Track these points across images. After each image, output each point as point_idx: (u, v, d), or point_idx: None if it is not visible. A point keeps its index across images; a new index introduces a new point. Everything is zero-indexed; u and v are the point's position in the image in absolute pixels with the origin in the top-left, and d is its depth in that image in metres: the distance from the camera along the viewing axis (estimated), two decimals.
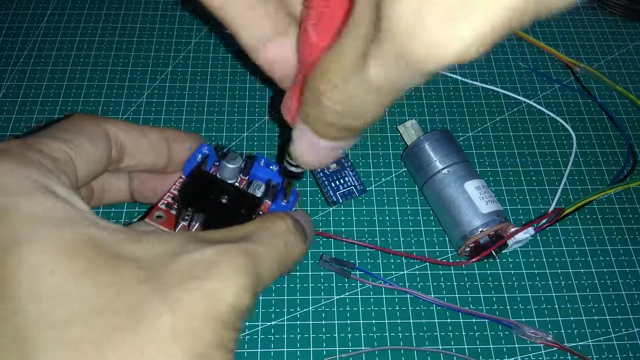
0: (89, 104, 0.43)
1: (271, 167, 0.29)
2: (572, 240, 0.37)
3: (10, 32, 0.46)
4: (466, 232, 0.34)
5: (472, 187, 0.35)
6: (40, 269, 0.16)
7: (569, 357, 0.33)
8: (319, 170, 0.39)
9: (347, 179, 0.38)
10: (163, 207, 0.26)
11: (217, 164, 0.28)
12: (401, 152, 0.40)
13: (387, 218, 0.38)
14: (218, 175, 0.28)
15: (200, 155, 0.27)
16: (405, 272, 0.36)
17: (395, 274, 0.36)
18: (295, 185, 0.28)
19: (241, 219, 0.23)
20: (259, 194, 0.28)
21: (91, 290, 0.16)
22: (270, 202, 0.28)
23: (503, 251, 0.35)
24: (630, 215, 0.38)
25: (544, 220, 0.36)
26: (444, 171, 0.36)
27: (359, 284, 0.35)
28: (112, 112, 0.42)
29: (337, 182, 0.38)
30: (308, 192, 0.39)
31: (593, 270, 0.36)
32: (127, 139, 0.25)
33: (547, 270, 0.36)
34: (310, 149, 0.21)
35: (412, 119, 0.40)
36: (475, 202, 0.34)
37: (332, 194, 0.38)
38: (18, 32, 0.47)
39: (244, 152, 0.27)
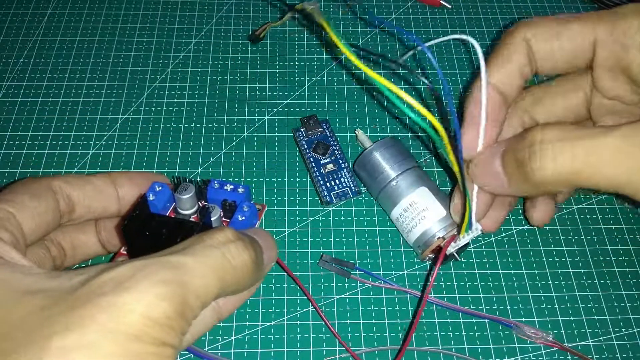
0: (89, 104, 0.43)
1: (225, 187, 0.29)
2: (572, 240, 0.37)
3: (10, 32, 0.46)
4: (420, 243, 0.34)
5: (420, 195, 0.35)
6: None
7: (569, 357, 0.33)
8: (316, 169, 0.39)
9: (342, 179, 0.38)
10: (124, 251, 0.29)
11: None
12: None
13: (388, 218, 0.38)
14: (178, 208, 0.29)
15: (151, 193, 0.28)
16: (405, 272, 0.36)
17: (395, 274, 0.36)
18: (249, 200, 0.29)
19: None
20: (214, 217, 0.28)
21: None
22: (228, 221, 0.28)
23: (462, 252, 0.35)
24: (630, 215, 0.38)
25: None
26: (392, 183, 0.35)
27: (359, 284, 0.35)
28: (112, 112, 0.42)
29: (333, 182, 0.38)
30: (306, 191, 0.39)
31: (593, 270, 0.36)
32: (72, 190, 0.27)
33: (547, 270, 0.36)
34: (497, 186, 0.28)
35: (357, 128, 0.40)
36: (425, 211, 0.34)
37: (326, 193, 0.38)
38: (18, 32, 0.47)
39: (198, 179, 0.28)
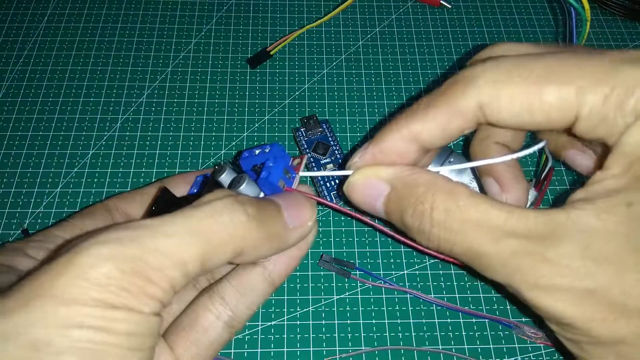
0: (89, 104, 0.43)
1: (255, 152, 0.27)
2: None
3: (10, 32, 0.46)
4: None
5: (470, 177, 0.35)
6: None
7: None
8: (316, 169, 0.39)
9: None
10: None
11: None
12: None
13: None
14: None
15: (194, 187, 0.28)
16: (405, 272, 0.36)
17: (395, 274, 0.36)
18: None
19: None
20: (242, 186, 0.25)
21: None
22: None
23: None
24: None
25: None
26: (447, 163, 0.35)
27: (359, 284, 0.35)
28: (112, 112, 0.42)
29: (333, 182, 0.38)
30: None
31: None
32: (127, 204, 0.27)
33: None
34: (369, 204, 0.23)
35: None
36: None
37: (326, 193, 0.38)
38: (18, 32, 0.47)
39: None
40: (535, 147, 0.23)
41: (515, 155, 0.23)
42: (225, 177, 0.27)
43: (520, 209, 0.19)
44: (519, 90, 0.19)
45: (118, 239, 0.17)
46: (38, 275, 0.17)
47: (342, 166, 0.38)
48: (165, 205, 0.26)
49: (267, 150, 0.26)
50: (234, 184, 0.25)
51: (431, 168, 0.35)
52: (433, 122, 0.21)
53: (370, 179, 0.22)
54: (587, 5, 0.27)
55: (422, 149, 0.22)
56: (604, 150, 0.20)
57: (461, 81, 0.20)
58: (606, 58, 0.19)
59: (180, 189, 0.28)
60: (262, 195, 0.25)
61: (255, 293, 0.24)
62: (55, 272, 0.16)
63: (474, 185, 0.35)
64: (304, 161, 0.27)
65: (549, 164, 0.32)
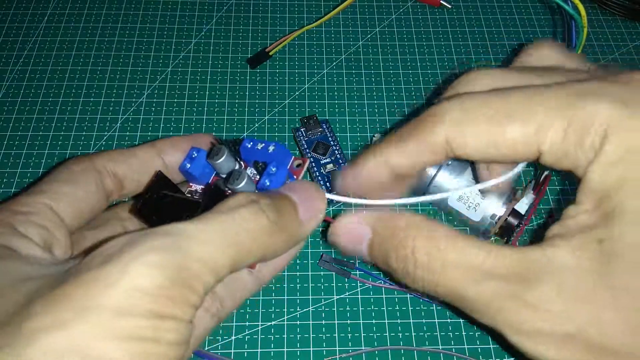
0: (89, 104, 0.43)
1: (257, 146, 0.26)
2: None
3: (10, 32, 0.46)
4: (492, 213, 0.34)
5: (470, 176, 0.35)
6: None
7: None
8: (316, 169, 0.39)
9: None
10: None
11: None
12: None
13: None
14: (218, 173, 0.27)
15: (187, 162, 0.27)
16: None
17: None
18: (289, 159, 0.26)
19: None
20: (241, 183, 0.25)
21: None
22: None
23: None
24: None
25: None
26: (445, 166, 0.35)
27: (359, 284, 0.35)
28: (112, 112, 0.42)
29: (333, 182, 0.38)
30: None
31: None
32: (117, 166, 0.26)
33: None
34: (351, 248, 0.23)
35: (376, 134, 0.39)
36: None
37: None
38: (18, 32, 0.47)
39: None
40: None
41: (510, 174, 0.24)
42: (223, 162, 0.26)
43: (497, 248, 0.19)
44: (483, 128, 0.20)
45: (166, 248, 0.17)
46: (87, 284, 0.16)
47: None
48: (159, 188, 0.25)
49: (271, 150, 0.26)
50: (232, 178, 0.25)
51: (429, 170, 0.35)
52: (404, 155, 0.22)
53: (353, 223, 0.23)
54: (583, 12, 0.27)
55: (398, 175, 0.23)
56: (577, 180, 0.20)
57: (429, 118, 0.22)
58: (564, 92, 0.19)
59: (170, 156, 0.27)
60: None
61: (244, 291, 0.24)
62: (108, 282, 0.16)
63: (474, 187, 0.35)
64: (306, 165, 0.27)
65: (546, 171, 0.32)
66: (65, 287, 0.16)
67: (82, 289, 0.16)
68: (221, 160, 0.26)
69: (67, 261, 0.20)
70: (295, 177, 0.26)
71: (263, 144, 0.26)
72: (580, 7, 0.28)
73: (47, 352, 0.15)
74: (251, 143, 0.26)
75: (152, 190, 0.25)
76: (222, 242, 0.19)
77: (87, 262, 0.17)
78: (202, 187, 0.28)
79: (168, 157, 0.27)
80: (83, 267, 0.17)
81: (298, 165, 0.27)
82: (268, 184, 0.24)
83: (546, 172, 0.33)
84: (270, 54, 0.45)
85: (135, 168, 0.26)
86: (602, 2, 0.50)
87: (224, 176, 0.27)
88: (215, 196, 0.23)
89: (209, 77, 0.45)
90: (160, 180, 0.26)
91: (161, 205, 0.24)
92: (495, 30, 0.49)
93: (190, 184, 0.28)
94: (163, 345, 0.17)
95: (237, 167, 0.27)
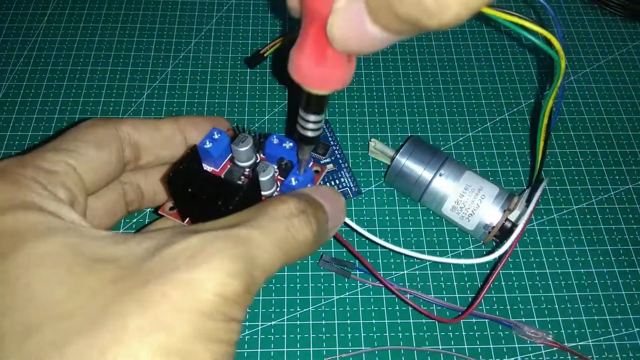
0: (89, 104, 0.43)
1: (285, 144, 0.27)
2: (572, 240, 0.37)
3: (10, 32, 0.46)
4: (486, 223, 0.34)
5: (469, 178, 0.35)
6: (18, 283, 0.16)
7: (569, 357, 0.33)
8: None
9: (342, 179, 0.38)
10: (170, 205, 0.27)
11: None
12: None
13: (387, 218, 0.37)
14: (235, 159, 0.28)
15: (208, 140, 0.26)
16: (405, 272, 0.36)
17: (395, 274, 0.36)
18: (309, 159, 0.26)
19: (219, 210, 0.22)
20: (266, 177, 0.26)
21: (64, 295, 0.16)
22: (283, 180, 0.27)
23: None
24: (631, 215, 0.38)
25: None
26: (437, 176, 0.35)
27: (359, 284, 0.35)
28: (112, 112, 0.42)
29: (333, 182, 0.38)
30: None
31: (593, 270, 0.36)
32: (140, 137, 0.25)
33: (547, 270, 0.36)
34: (355, 30, 0.16)
35: (372, 139, 0.39)
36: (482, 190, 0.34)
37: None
38: (18, 32, 0.47)
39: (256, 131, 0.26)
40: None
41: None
42: (246, 151, 0.27)
43: None
44: None
45: (242, 258, 0.18)
46: (182, 287, 0.17)
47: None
48: (192, 162, 0.25)
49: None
50: (258, 168, 0.26)
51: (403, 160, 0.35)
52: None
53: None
54: (562, 53, 0.27)
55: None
56: None
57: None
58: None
59: (191, 134, 0.27)
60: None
61: None
62: (200, 287, 0.17)
63: (470, 191, 0.35)
64: (323, 174, 0.28)
65: (543, 184, 0.32)
66: (159, 284, 0.17)
67: (178, 291, 0.17)
68: (245, 148, 0.27)
69: (116, 236, 0.19)
70: (313, 183, 0.27)
71: (290, 143, 0.27)
72: (561, 53, 0.27)
73: (157, 352, 0.16)
74: (278, 140, 0.27)
75: (186, 162, 0.25)
76: (278, 251, 0.20)
77: (172, 257, 0.17)
78: (214, 169, 0.28)
79: (190, 136, 0.27)
80: (169, 262, 0.17)
81: (316, 172, 0.28)
82: (294, 183, 0.26)
83: (542, 184, 0.33)
84: (265, 55, 0.45)
85: (156, 141, 0.26)
86: (602, 2, 0.50)
87: (240, 163, 0.27)
88: (251, 190, 0.24)
89: (209, 77, 0.45)
90: (194, 154, 0.25)
91: (193, 179, 0.24)
92: (495, 30, 0.49)
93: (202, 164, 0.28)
94: (232, 346, 0.18)
95: (255, 159, 0.28)
